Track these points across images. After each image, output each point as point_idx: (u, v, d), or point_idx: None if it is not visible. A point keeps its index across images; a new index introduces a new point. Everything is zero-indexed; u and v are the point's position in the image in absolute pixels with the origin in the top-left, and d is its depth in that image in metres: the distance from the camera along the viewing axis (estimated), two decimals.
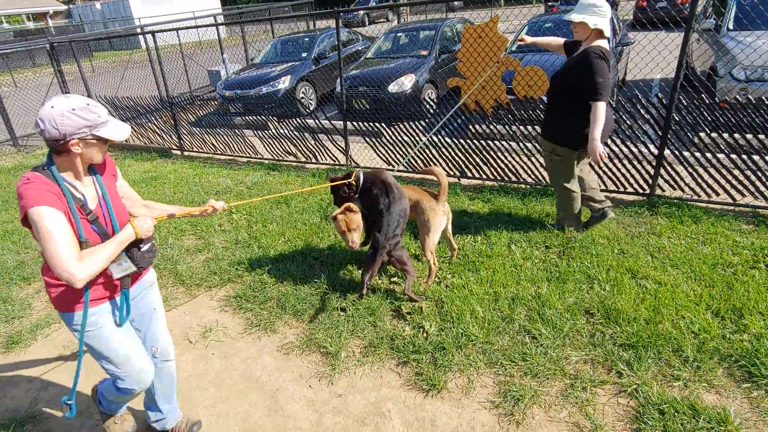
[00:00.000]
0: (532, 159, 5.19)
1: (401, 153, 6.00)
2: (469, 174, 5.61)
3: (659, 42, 5.06)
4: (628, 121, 4.61)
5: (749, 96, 4.16)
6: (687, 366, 2.63)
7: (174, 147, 8.13)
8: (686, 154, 4.51)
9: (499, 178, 5.41)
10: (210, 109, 7.57)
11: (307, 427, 2.58)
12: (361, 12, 25.06)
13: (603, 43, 3.43)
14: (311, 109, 9.53)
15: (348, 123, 6.40)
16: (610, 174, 4.83)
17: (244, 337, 3.35)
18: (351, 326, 3.27)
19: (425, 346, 2.98)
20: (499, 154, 5.37)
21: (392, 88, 7.78)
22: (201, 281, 4.04)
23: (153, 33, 7.44)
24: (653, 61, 5.34)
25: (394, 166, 6.14)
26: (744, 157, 4.26)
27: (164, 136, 8.18)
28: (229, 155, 7.60)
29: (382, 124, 6.13)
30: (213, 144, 7.63)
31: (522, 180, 5.27)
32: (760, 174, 4.24)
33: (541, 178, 5.18)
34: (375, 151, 6.22)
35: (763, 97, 4.05)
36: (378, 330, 3.20)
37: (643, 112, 4.49)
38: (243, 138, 7.29)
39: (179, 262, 4.33)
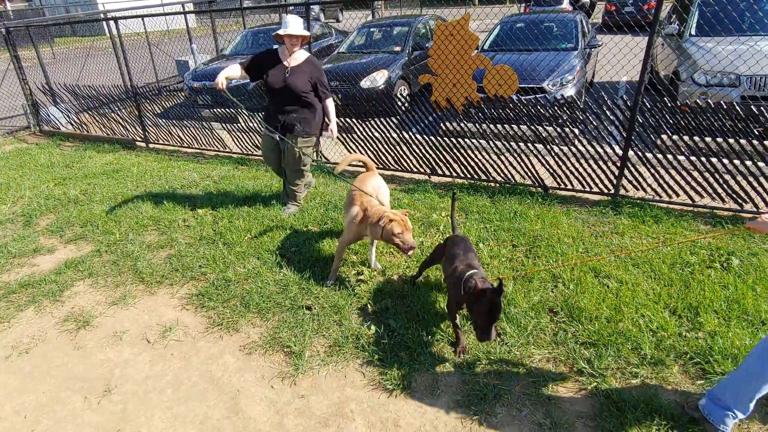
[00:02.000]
0: (502, 158, 5.23)
1: (372, 149, 5.95)
2: (440, 171, 5.61)
3: (625, 45, 5.16)
4: (594, 122, 4.69)
5: (708, 100, 4.28)
6: (645, 363, 2.69)
7: (138, 139, 7.86)
8: (649, 155, 4.62)
9: (469, 176, 5.44)
10: (177, 100, 7.34)
11: (267, 430, 2.51)
12: (317, 8, 24.69)
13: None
14: None
15: None
16: (576, 174, 4.91)
17: (206, 337, 3.25)
18: (316, 325, 3.21)
19: (390, 345, 2.96)
20: (470, 152, 5.38)
21: (364, 83, 7.71)
22: (162, 278, 3.90)
23: (115, 19, 7.15)
24: (619, 63, 5.43)
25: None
26: (703, 159, 4.39)
27: (128, 127, 7.89)
28: (196, 148, 7.40)
29: (354, 120, 6.08)
30: (179, 136, 7.41)
31: (492, 178, 5.30)
32: (717, 176, 4.38)
33: (510, 176, 5.22)
34: (345, 147, 6.16)
35: (722, 102, 4.17)
36: (343, 329, 3.16)
37: (608, 114, 4.57)
38: (211, 131, 7.11)
39: (139, 259, 4.18)
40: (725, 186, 4.37)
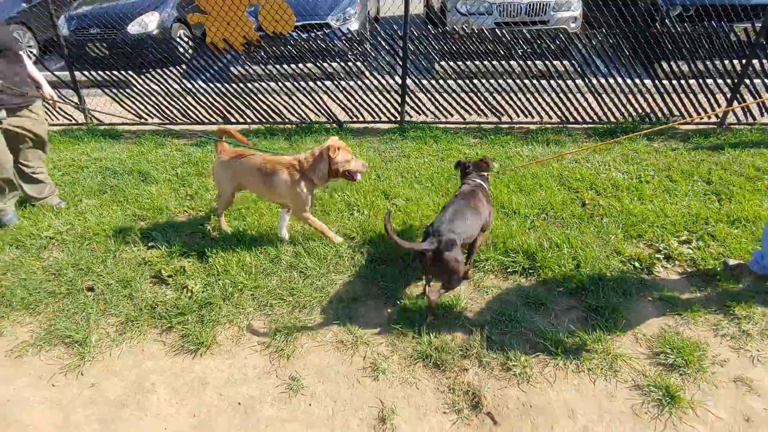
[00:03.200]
0: (294, 98, 5.15)
1: (153, 103, 5.32)
2: (233, 119, 5.32)
3: None
4: (372, 53, 4.87)
5: (464, 27, 4.76)
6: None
7: None
8: (424, 82, 5.02)
9: (263, 120, 5.26)
10: None
11: (50, 430, 2.21)
12: None
13: None
14: (32, 59, 7.69)
15: (79, 73, 5.35)
16: (366, 106, 5.11)
17: None
18: (102, 305, 2.86)
19: (191, 306, 2.80)
20: (260, 95, 5.18)
21: (133, 28, 6.74)
22: None
23: None
24: None
25: (146, 119, 5.45)
26: (467, 81, 4.94)
27: None
28: None
29: (126, 72, 5.32)
30: None
31: (287, 120, 5.22)
32: (479, 95, 4.99)
33: (305, 116, 5.20)
34: (120, 105, 5.39)
35: (473, 27, 4.68)
36: (135, 302, 2.88)
37: (384, 44, 4.78)
38: None
39: None
40: (486, 103, 5.02)
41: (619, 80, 4.79)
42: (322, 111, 5.14)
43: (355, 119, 5.19)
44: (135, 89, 5.30)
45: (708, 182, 3.83)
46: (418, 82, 4.94)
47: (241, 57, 5.02)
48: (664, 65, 4.73)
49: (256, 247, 3.24)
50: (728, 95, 4.71)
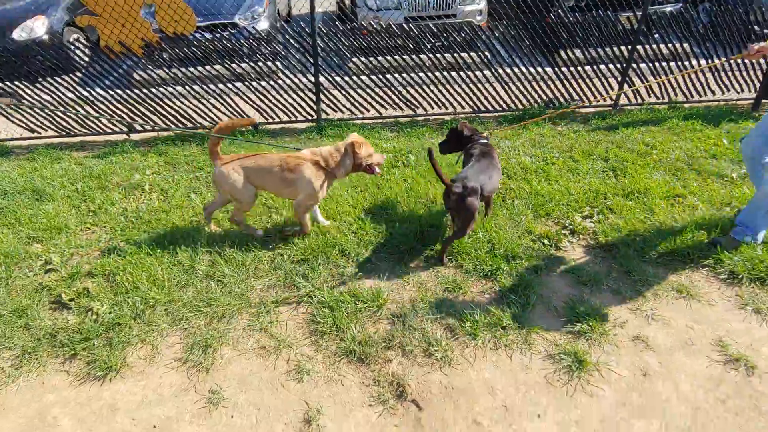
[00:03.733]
0: (203, 101, 4.94)
1: (44, 114, 4.89)
2: (139, 127, 5.01)
3: None
4: (282, 52, 4.78)
5: (372, 22, 4.79)
6: (349, 261, 3.03)
7: None
8: (338, 79, 4.99)
9: (173, 126, 5.01)
10: None
11: None
12: None
13: None
14: None
15: None
16: (280, 106, 5.01)
17: None
18: None
19: (96, 329, 2.61)
20: (167, 100, 4.92)
21: (18, 35, 6.16)
22: None
23: None
24: None
25: (40, 132, 5.00)
26: (380, 76, 4.98)
27: None
28: None
29: (12, 83, 4.84)
30: None
31: (198, 125, 5.00)
32: (394, 89, 5.05)
33: (217, 120, 5.01)
34: (7, 118, 4.90)
35: (381, 23, 4.72)
36: (33, 331, 2.64)
37: (293, 41, 4.70)
38: None
39: None
40: (401, 97, 5.08)
41: (523, 69, 5.03)
42: (236, 114, 4.97)
43: (270, 120, 5.07)
44: (24, 101, 4.84)
45: (605, 160, 4.12)
46: (331, 79, 4.91)
47: (141, 61, 4.73)
48: (562, 53, 5.04)
49: (168, 258, 3.08)
50: (619, 79, 5.10)
